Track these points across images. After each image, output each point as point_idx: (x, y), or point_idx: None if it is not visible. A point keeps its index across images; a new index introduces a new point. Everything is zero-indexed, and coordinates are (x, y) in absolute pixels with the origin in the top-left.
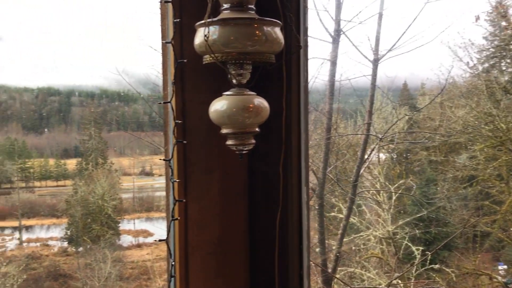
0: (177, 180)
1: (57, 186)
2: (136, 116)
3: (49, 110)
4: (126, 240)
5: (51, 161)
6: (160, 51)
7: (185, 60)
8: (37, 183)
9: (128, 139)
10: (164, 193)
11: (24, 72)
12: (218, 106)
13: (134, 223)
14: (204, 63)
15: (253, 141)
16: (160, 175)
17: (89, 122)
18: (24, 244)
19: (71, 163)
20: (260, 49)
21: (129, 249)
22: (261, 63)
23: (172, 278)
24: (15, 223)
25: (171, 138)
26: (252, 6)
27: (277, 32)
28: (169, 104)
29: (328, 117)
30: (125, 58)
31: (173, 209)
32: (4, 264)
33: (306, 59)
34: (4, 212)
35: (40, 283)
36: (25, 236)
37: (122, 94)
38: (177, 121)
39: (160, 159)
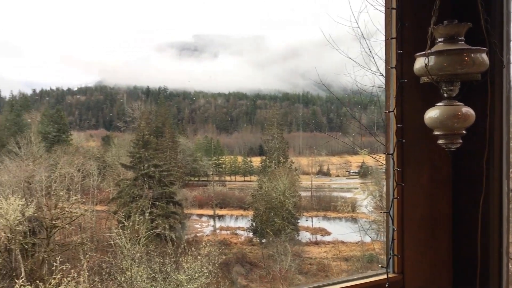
0: (398, 169)
1: (244, 181)
2: (315, 117)
3: (238, 112)
4: (304, 236)
5: (239, 158)
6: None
7: (405, 80)
8: (227, 178)
9: (306, 139)
10: (341, 194)
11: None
12: (432, 114)
13: (312, 221)
14: (421, 82)
15: (460, 141)
16: (337, 176)
17: (272, 123)
18: (217, 231)
19: (256, 161)
20: (468, 71)
21: (308, 245)
22: (468, 80)
23: (394, 241)
24: (210, 212)
25: (392, 137)
26: (462, 38)
27: (483, 56)
28: (391, 113)
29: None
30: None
31: (394, 190)
32: (208, 245)
33: (509, 74)
34: (202, 202)
35: (230, 267)
36: (218, 224)
37: (301, 96)
38: (398, 125)
39: (385, 153)
